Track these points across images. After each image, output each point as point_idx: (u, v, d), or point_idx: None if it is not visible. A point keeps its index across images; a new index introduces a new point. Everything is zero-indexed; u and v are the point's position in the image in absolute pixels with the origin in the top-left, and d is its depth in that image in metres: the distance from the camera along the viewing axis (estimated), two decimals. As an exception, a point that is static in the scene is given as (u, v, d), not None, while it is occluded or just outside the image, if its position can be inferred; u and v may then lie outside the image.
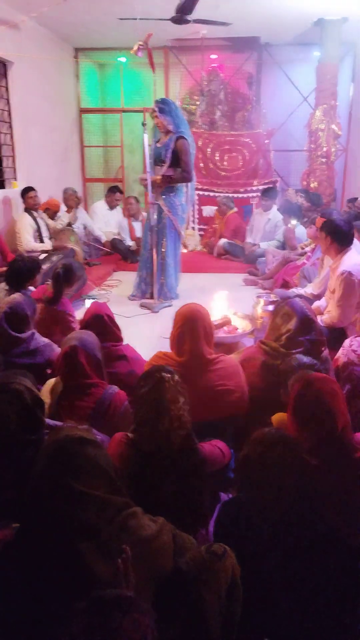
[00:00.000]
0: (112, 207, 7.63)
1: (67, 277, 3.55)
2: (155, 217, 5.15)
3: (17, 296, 2.86)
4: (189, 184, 5.37)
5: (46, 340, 2.91)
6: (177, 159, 5.03)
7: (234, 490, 2.21)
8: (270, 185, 7.54)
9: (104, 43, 8.19)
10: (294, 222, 6.08)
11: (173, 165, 5.07)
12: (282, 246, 6.45)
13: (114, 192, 7.61)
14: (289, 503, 1.55)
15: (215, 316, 3.70)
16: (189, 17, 5.36)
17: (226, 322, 3.80)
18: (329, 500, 1.68)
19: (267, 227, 6.88)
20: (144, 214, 7.12)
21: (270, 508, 1.55)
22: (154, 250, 5.14)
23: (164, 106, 4.98)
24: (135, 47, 5.21)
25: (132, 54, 5.30)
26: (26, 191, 5.94)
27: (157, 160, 5.09)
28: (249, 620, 1.43)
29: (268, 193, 6.88)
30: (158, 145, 5.11)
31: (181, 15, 5.31)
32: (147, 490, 1.62)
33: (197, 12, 5.28)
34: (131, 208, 7.33)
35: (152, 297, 5.35)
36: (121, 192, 7.84)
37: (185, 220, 5.58)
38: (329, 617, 1.47)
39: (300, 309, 2.50)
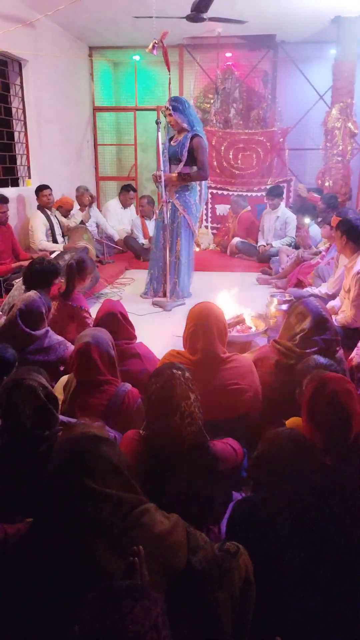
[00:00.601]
0: (125, 205, 7.65)
1: (79, 270, 3.55)
2: (168, 215, 5.15)
3: (32, 294, 2.87)
4: (203, 183, 5.37)
5: (60, 338, 2.92)
6: (193, 158, 5.04)
7: (247, 490, 2.20)
8: (276, 184, 7.52)
9: (118, 42, 8.20)
10: (307, 221, 6.04)
11: (189, 164, 5.08)
12: (295, 244, 6.42)
13: (127, 191, 7.63)
14: (302, 503, 1.54)
15: (228, 315, 3.69)
16: (205, 15, 5.33)
17: (239, 321, 3.79)
18: (342, 501, 1.66)
19: (277, 224, 6.87)
20: (157, 212, 7.12)
21: (283, 508, 1.54)
22: (167, 249, 5.13)
23: (177, 104, 4.98)
24: (151, 46, 5.21)
25: (147, 52, 5.30)
26: (40, 189, 5.97)
27: (173, 159, 5.09)
28: (262, 619, 1.42)
29: (273, 191, 6.89)
30: (173, 143, 5.11)
31: (197, 14, 5.29)
32: (159, 486, 1.62)
33: (213, 10, 5.25)
34: (143, 210, 7.34)
35: (164, 296, 5.35)
36: (135, 190, 7.85)
37: (198, 219, 5.58)
38: (342, 617, 1.46)
39: (315, 308, 2.48)
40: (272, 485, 1.58)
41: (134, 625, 0.91)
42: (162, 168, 5.04)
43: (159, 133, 4.95)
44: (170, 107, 4.96)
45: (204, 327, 2.37)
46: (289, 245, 6.61)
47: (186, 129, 4.97)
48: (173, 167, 5.10)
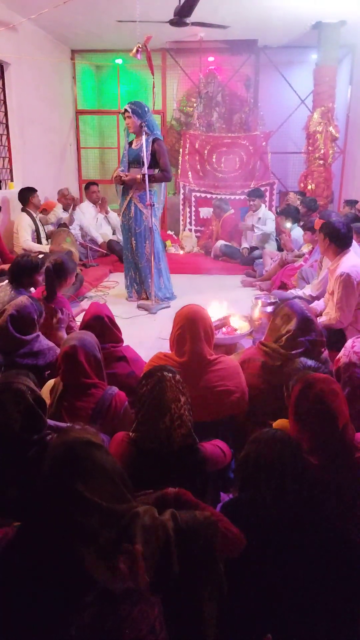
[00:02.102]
0: (95, 202, 7.47)
1: (58, 272, 3.53)
2: (133, 218, 5.23)
3: (24, 299, 2.85)
4: (163, 186, 5.47)
5: (50, 343, 2.91)
6: (155, 160, 5.15)
7: (235, 491, 2.21)
8: (255, 187, 7.60)
9: (101, 45, 8.21)
10: (288, 225, 6.10)
11: (151, 166, 5.15)
12: (279, 246, 6.48)
13: (88, 187, 7.40)
14: (288, 503, 1.55)
15: (213, 317, 3.70)
16: (187, 20, 5.36)
17: (225, 324, 3.80)
18: (329, 500, 1.68)
19: (258, 224, 6.95)
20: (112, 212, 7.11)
21: (270, 508, 1.55)
22: (146, 252, 5.17)
23: (136, 108, 5.04)
24: (135, 50, 5.22)
25: (130, 55, 5.31)
26: (32, 192, 5.93)
27: (134, 162, 5.15)
28: (252, 617, 1.43)
29: (253, 194, 6.99)
30: (134, 147, 5.17)
31: (179, 18, 5.31)
32: (148, 488, 1.62)
33: (196, 15, 5.29)
34: (96, 196, 7.25)
35: (147, 298, 5.37)
36: (96, 184, 7.68)
37: (159, 221, 5.68)
38: (332, 615, 1.47)
39: (300, 310, 2.51)
40: (258, 485, 1.59)
41: (131, 629, 0.90)
42: (122, 170, 5.13)
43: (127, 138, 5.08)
44: (130, 110, 5.02)
45: (191, 329, 2.38)
46: (266, 238, 6.72)
47: (145, 132, 5.03)
48: (133, 170, 5.16)
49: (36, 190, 5.96)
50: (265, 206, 7.25)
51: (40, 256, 5.34)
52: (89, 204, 7.41)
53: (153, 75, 5.67)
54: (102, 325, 2.77)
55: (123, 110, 5.09)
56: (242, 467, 1.69)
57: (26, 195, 5.91)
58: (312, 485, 1.66)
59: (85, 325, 2.76)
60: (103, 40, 7.84)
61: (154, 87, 5.76)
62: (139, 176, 5.03)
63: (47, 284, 3.48)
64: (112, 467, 1.33)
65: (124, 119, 5.09)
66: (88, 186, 7.43)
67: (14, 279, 3.44)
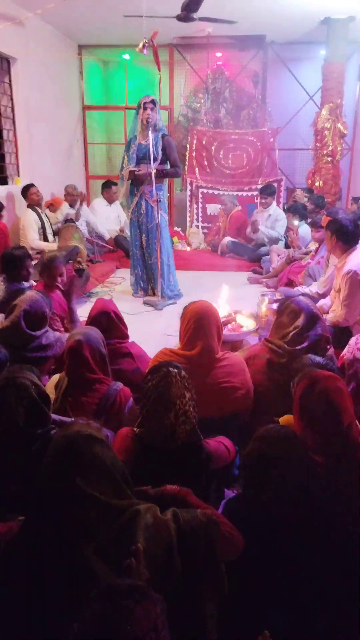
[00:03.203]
0: (110, 202, 7.55)
1: (47, 269, 3.55)
2: (144, 214, 5.21)
3: (33, 294, 2.86)
4: (166, 181, 5.48)
5: (57, 334, 2.92)
6: (165, 156, 5.15)
7: (239, 487, 2.21)
8: (268, 183, 7.55)
9: (108, 40, 8.18)
10: (296, 222, 6.07)
11: (161, 162, 5.14)
12: (286, 243, 6.45)
13: (109, 187, 7.50)
14: (292, 500, 1.54)
15: (220, 314, 3.70)
16: (195, 15, 5.34)
17: (231, 320, 3.80)
18: (333, 498, 1.67)
19: (267, 223, 6.89)
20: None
21: (273, 505, 1.54)
22: (157, 248, 5.15)
23: (154, 102, 5.03)
24: (141, 45, 5.20)
25: (137, 51, 5.29)
26: (27, 188, 5.94)
27: (144, 158, 5.08)
28: (251, 615, 1.43)
29: (266, 191, 6.89)
30: (143, 142, 5.10)
31: (187, 13, 5.29)
32: (152, 484, 1.62)
33: (203, 10, 5.26)
34: (115, 196, 7.29)
35: (154, 294, 5.37)
36: (116, 184, 7.72)
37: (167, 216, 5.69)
38: (333, 613, 1.47)
39: (307, 306, 2.50)
40: (262, 482, 1.58)
41: (133, 627, 0.90)
42: (133, 166, 5.10)
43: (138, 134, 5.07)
44: (155, 103, 5.00)
45: (204, 325, 2.39)
46: (276, 241, 6.65)
47: (158, 128, 5.03)
48: (143, 166, 5.11)
49: (32, 186, 5.97)
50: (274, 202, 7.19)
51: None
52: (103, 201, 7.46)
53: (159, 70, 5.66)
54: (109, 320, 2.77)
55: (149, 101, 4.98)
56: (246, 464, 1.68)
57: (24, 191, 5.94)
58: (316, 484, 1.65)
59: (92, 320, 2.77)
60: (110, 35, 7.82)
61: (160, 82, 5.73)
62: (153, 171, 4.98)
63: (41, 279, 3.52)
64: (113, 463, 1.33)
65: (145, 110, 4.97)
66: (109, 185, 7.47)
67: (5, 270, 3.48)
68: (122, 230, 7.35)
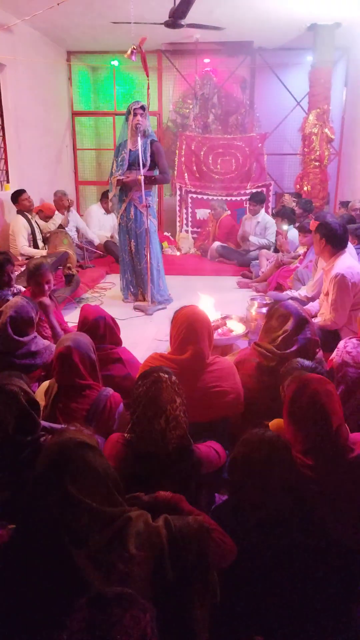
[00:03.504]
0: (108, 211, 7.59)
1: (34, 276, 3.50)
2: (133, 220, 5.22)
3: (19, 299, 2.84)
4: (156, 187, 5.48)
5: (47, 342, 2.91)
6: (153, 162, 5.17)
7: (227, 491, 2.21)
8: (258, 190, 7.59)
9: (96, 46, 8.21)
10: (285, 227, 6.11)
11: (150, 168, 5.17)
12: (275, 248, 6.48)
13: (108, 197, 7.57)
14: (276, 503, 1.54)
15: (210, 318, 3.71)
16: (183, 22, 5.37)
17: (220, 325, 3.81)
18: (322, 501, 1.68)
19: (257, 230, 6.93)
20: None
21: (258, 508, 1.54)
22: (146, 253, 5.16)
23: (144, 110, 5.05)
24: (129, 51, 5.22)
25: (125, 57, 5.31)
26: (19, 194, 5.92)
27: (134, 164, 5.10)
28: (242, 620, 1.43)
29: (256, 198, 6.93)
30: (132, 149, 5.11)
31: (175, 20, 5.32)
32: (143, 490, 1.62)
33: (191, 17, 5.29)
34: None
35: (144, 300, 5.37)
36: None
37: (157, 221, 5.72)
38: (321, 615, 1.47)
39: (296, 310, 2.52)
40: (246, 486, 1.58)
41: (122, 635, 0.90)
42: (121, 172, 5.10)
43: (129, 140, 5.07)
44: (144, 109, 5.03)
45: (196, 329, 2.39)
46: (268, 248, 6.68)
47: (147, 134, 5.05)
48: (132, 172, 5.13)
49: (23, 192, 5.93)
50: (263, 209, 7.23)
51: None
52: (100, 209, 7.56)
53: (148, 76, 5.67)
54: (105, 325, 2.78)
55: (139, 107, 5.01)
56: (232, 469, 1.68)
57: (14, 197, 5.91)
58: (303, 486, 1.66)
59: (89, 326, 2.76)
60: (98, 41, 7.84)
61: (148, 88, 5.75)
62: (141, 177, 4.99)
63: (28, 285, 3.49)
64: (105, 470, 1.32)
65: (134, 117, 4.99)
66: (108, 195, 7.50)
67: None
68: (112, 236, 7.36)
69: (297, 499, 1.58)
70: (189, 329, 2.40)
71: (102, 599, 0.95)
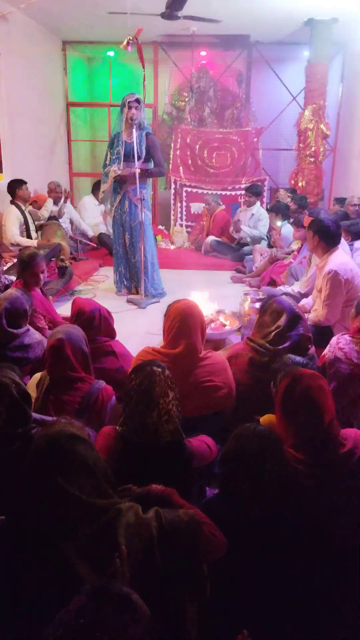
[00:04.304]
0: (100, 202, 7.56)
1: (26, 267, 3.46)
2: (127, 212, 5.21)
3: (14, 291, 2.83)
4: (149, 181, 5.46)
5: (39, 337, 2.90)
6: (148, 155, 5.14)
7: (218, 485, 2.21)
8: (254, 183, 7.57)
9: (92, 37, 8.13)
10: (279, 223, 6.11)
11: (145, 161, 5.14)
12: (269, 243, 6.49)
13: (100, 188, 7.54)
14: (269, 499, 1.55)
15: (203, 313, 3.71)
16: (179, 13, 5.34)
17: (214, 319, 3.81)
18: (313, 495, 1.69)
19: (250, 222, 6.92)
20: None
21: (250, 504, 1.55)
22: (141, 246, 5.14)
23: (139, 102, 5.01)
24: (125, 42, 5.19)
25: (121, 48, 5.28)
26: (20, 184, 5.86)
27: (129, 156, 5.05)
28: (230, 614, 1.43)
29: (252, 190, 6.91)
30: (127, 141, 5.07)
31: (171, 11, 5.30)
32: (134, 483, 1.62)
33: (188, 9, 5.27)
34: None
35: (137, 293, 5.36)
36: None
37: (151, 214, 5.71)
38: (311, 611, 1.48)
39: (289, 305, 2.52)
40: (238, 481, 1.59)
41: (114, 630, 0.90)
42: (119, 166, 5.06)
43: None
44: (140, 101, 4.99)
45: (189, 323, 2.39)
46: (258, 240, 6.68)
47: (142, 127, 5.03)
48: (127, 164, 5.09)
49: (25, 183, 5.88)
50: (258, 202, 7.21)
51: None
52: (93, 199, 7.53)
53: (144, 68, 5.64)
54: (101, 317, 2.78)
55: (134, 100, 4.95)
56: (223, 462, 1.68)
57: (13, 187, 5.83)
58: (294, 481, 1.67)
59: (85, 317, 2.75)
60: (94, 32, 7.77)
61: (144, 80, 5.71)
62: (137, 170, 4.96)
63: (19, 277, 3.45)
64: (95, 462, 1.32)
65: (129, 109, 4.94)
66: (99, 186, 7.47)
67: None
68: (104, 218, 7.30)
69: (288, 493, 1.58)
70: (182, 323, 2.39)
71: (98, 597, 0.94)
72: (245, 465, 1.57)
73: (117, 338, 2.97)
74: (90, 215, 7.47)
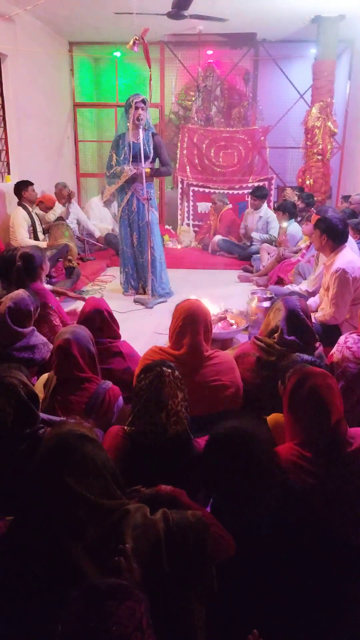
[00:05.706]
0: (104, 205, 7.59)
1: (26, 268, 3.48)
2: (135, 212, 5.21)
3: (20, 292, 2.85)
4: (155, 180, 5.49)
5: (44, 339, 2.91)
6: (155, 154, 5.20)
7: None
8: (260, 184, 7.54)
9: (99, 37, 8.15)
10: (285, 224, 6.08)
11: (152, 160, 5.19)
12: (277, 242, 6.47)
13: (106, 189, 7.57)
14: (251, 491, 1.53)
15: (210, 312, 3.71)
16: (186, 13, 5.33)
17: (221, 318, 3.81)
18: (318, 493, 1.68)
19: (259, 224, 6.90)
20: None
21: (232, 496, 1.54)
22: (148, 246, 5.14)
23: (145, 103, 5.03)
24: (132, 42, 5.19)
25: (128, 48, 5.28)
26: (25, 185, 5.88)
27: (136, 156, 5.07)
28: (240, 613, 1.43)
29: (257, 192, 6.87)
30: (134, 141, 5.09)
31: (177, 11, 5.29)
32: (142, 483, 1.62)
33: (194, 8, 5.26)
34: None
35: (144, 293, 5.37)
36: None
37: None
38: (317, 612, 1.48)
39: (289, 305, 2.52)
40: (221, 467, 1.57)
41: (117, 627, 0.90)
42: (128, 165, 5.08)
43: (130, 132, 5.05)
44: (146, 102, 5.02)
45: (192, 322, 2.39)
46: (270, 242, 6.66)
47: (147, 127, 5.05)
48: (134, 164, 5.11)
49: (31, 184, 5.90)
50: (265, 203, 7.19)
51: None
52: (100, 200, 7.56)
53: (150, 68, 5.64)
54: (102, 319, 2.78)
55: (140, 100, 4.97)
56: (208, 449, 1.65)
57: (19, 188, 5.86)
58: (304, 479, 1.66)
59: (85, 319, 2.76)
60: (101, 32, 7.79)
61: (150, 80, 5.71)
62: (148, 170, 5.02)
63: (16, 279, 3.45)
64: (104, 463, 1.32)
65: (136, 110, 4.95)
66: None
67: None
68: (113, 230, 7.35)
69: (287, 491, 1.57)
70: (185, 323, 2.40)
71: (96, 591, 0.95)
72: (229, 453, 1.55)
73: (124, 338, 2.97)
74: (98, 216, 7.50)
